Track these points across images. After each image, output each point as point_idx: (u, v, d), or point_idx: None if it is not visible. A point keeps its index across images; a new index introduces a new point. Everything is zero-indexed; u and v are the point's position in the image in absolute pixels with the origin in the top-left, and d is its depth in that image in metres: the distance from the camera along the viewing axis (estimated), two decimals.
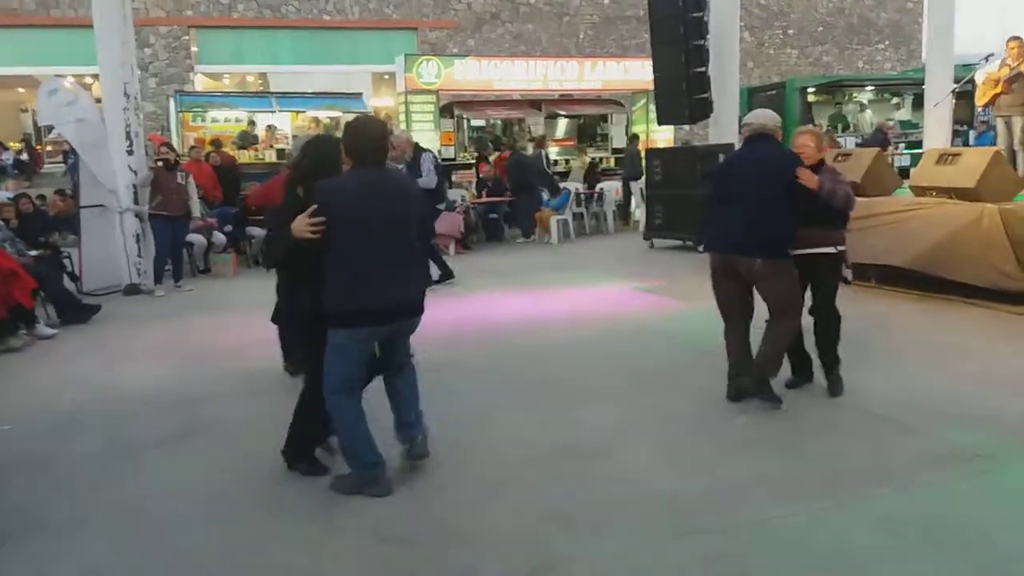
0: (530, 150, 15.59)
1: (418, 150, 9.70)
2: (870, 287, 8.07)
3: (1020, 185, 7.72)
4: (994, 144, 11.10)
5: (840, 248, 4.94)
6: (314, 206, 3.67)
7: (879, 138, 15.33)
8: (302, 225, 3.65)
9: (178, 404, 5.39)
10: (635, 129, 17.46)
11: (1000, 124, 10.25)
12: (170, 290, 10.01)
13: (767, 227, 4.69)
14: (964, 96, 14.72)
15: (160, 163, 10.06)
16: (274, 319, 4.39)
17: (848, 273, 5.35)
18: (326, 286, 3.71)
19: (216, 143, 13.78)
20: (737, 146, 12.24)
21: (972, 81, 12.35)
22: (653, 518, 3.48)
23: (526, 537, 3.36)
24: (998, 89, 9.88)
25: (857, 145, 14.83)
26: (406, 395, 4.07)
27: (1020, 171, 9.41)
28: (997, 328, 6.47)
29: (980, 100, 10.58)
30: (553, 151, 16.80)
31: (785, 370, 5.06)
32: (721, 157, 11.13)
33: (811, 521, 3.39)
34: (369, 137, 3.83)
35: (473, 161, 16.25)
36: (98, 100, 10.76)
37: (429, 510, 3.67)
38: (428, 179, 9.46)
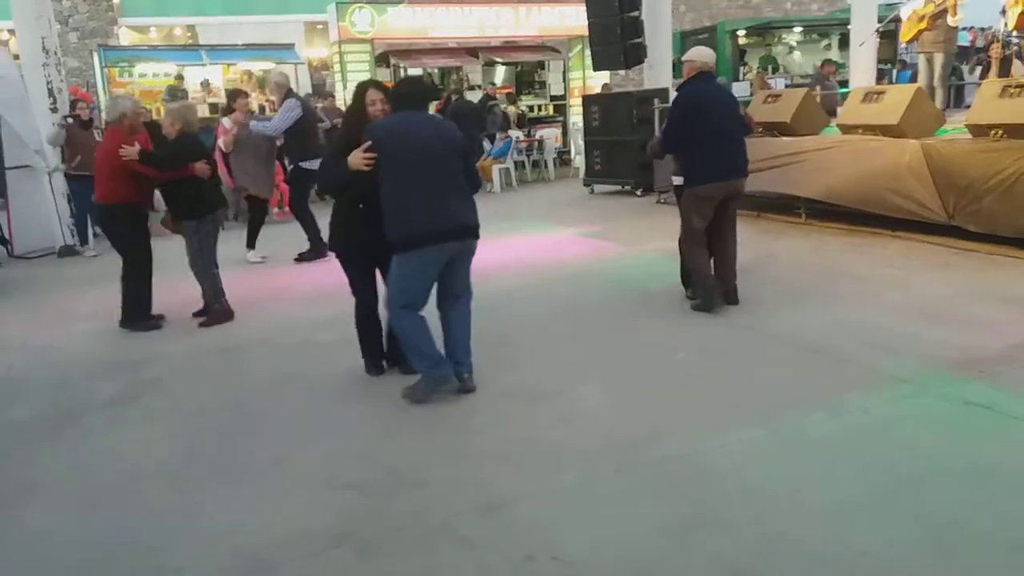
0: (473, 98, 15.47)
1: (288, 94, 8.36)
2: (800, 223, 8.31)
3: (940, 121, 7.97)
4: (913, 82, 11.40)
5: None
6: (368, 143, 4.02)
7: None
8: (358, 158, 4.03)
9: (120, 366, 5.35)
10: (572, 75, 17.43)
11: (922, 60, 10.47)
12: (105, 250, 9.76)
13: (746, 152, 5.66)
14: (887, 36, 15.03)
15: (69, 120, 9.67)
16: (331, 247, 4.70)
17: None
18: (387, 218, 4.06)
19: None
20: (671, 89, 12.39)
21: (897, 19, 12.61)
22: (597, 454, 3.60)
23: (473, 478, 3.46)
24: (923, 25, 10.09)
25: None
26: (460, 332, 4.40)
27: (940, 107, 9.69)
28: (919, 259, 6.74)
29: (905, 36, 10.80)
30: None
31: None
32: (656, 102, 11.25)
33: (748, 449, 3.56)
34: (411, 85, 4.53)
35: None
36: (16, 57, 10.34)
37: (379, 456, 3.74)
38: (271, 124, 8.17)
